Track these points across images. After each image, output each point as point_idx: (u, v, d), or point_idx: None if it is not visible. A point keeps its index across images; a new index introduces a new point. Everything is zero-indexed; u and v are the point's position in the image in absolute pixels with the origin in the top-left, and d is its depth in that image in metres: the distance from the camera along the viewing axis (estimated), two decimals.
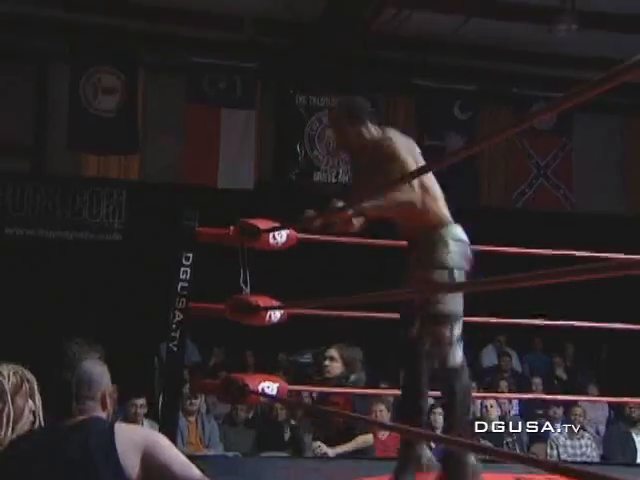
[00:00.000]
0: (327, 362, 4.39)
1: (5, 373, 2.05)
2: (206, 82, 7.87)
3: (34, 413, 2.07)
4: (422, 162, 2.98)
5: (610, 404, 7.08)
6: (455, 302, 2.91)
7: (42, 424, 2.05)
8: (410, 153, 2.98)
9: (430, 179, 3.00)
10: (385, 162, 2.93)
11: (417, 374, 3.01)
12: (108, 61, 7.74)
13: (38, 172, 7.88)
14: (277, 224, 3.47)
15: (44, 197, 7.84)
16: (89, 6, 7.20)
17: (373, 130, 3.08)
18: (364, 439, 4.33)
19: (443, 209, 3.00)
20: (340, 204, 2.92)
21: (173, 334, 3.44)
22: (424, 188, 2.94)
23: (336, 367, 4.36)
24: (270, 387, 3.28)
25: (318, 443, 4.28)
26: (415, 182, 2.89)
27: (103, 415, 1.88)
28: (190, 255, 3.47)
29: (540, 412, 6.73)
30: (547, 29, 6.96)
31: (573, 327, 4.29)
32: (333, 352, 4.40)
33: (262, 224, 3.46)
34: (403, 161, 2.91)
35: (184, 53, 7.81)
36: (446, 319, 2.88)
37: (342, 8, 6.82)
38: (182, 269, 3.45)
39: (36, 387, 2.09)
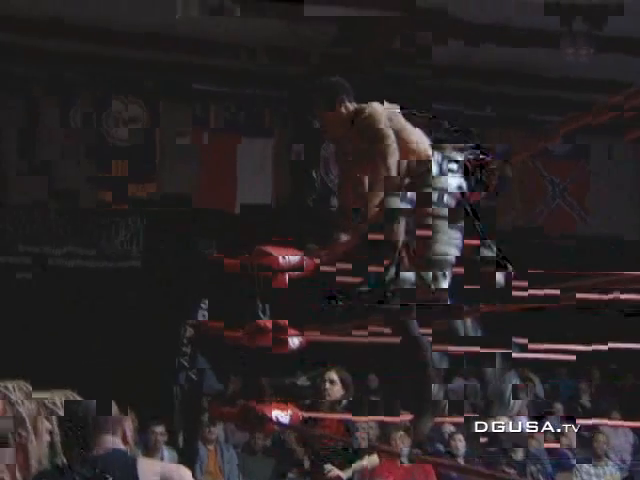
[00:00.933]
0: (327, 385, 4.28)
1: (14, 398, 1.87)
2: (222, 110, 7.95)
3: (51, 433, 1.97)
4: (403, 122, 2.93)
5: (635, 432, 6.96)
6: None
7: (59, 444, 1.96)
8: (389, 118, 2.91)
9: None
10: (369, 130, 2.85)
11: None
12: (129, 90, 7.85)
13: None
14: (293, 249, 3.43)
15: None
16: (110, 37, 7.31)
17: (351, 107, 2.97)
18: (370, 459, 4.29)
19: None
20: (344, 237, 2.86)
21: (184, 349, 3.40)
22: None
23: (337, 390, 4.26)
24: (282, 415, 3.20)
25: (329, 466, 4.23)
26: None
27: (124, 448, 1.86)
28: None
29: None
30: (561, 53, 6.97)
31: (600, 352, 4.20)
32: (333, 375, 4.30)
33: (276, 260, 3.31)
34: (384, 127, 2.85)
35: (200, 82, 7.90)
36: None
37: (352, 34, 6.89)
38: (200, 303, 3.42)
39: (51, 404, 2.00)
